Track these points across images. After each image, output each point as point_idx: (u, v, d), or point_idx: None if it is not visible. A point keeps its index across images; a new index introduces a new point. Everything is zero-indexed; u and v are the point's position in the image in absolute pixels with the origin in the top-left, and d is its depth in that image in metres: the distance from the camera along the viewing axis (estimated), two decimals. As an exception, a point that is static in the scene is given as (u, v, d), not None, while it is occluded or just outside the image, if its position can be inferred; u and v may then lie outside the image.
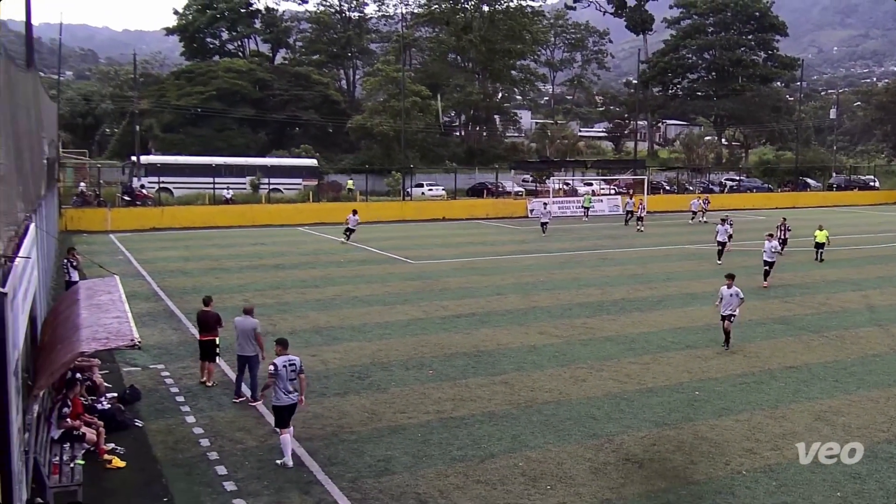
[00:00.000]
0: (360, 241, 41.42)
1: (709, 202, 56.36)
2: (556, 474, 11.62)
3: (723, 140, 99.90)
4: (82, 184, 53.51)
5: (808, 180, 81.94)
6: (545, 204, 41.24)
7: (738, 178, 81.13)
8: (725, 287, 19.07)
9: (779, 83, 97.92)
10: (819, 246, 33.57)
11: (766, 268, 27.34)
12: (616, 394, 15.52)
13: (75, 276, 22.04)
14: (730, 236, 33.99)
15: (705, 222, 49.20)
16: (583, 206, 58.05)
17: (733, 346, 19.10)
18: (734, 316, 18.98)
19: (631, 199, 54.30)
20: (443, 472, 11.70)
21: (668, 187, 73.56)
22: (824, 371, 17.29)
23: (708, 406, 14.85)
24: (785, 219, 35.23)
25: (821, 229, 33.58)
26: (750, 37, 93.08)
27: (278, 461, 11.80)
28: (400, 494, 10.92)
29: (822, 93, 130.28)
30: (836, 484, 11.40)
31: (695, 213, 52.38)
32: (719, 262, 32.65)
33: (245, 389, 14.93)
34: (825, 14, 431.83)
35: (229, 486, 11.20)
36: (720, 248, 33.39)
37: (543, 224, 42.29)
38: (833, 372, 17.20)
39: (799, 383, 16.38)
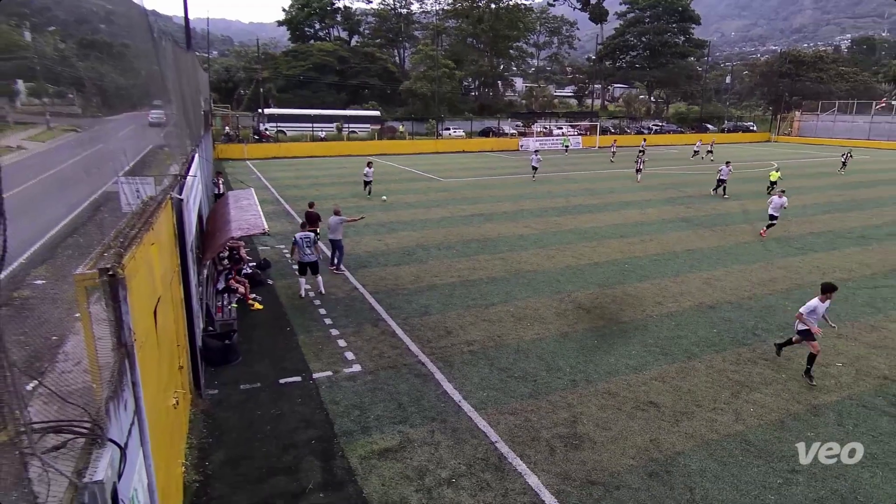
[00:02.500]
0: (409, 165, 41.16)
1: (615, 143, 53.49)
2: (533, 316, 11.88)
3: (651, 98, 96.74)
4: (227, 128, 53.11)
5: (709, 125, 79.96)
6: (536, 151, 34.65)
7: (661, 124, 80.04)
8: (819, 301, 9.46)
9: (692, 58, 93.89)
10: (772, 184, 27.89)
11: (771, 221, 19.32)
12: (573, 266, 15.61)
13: (222, 189, 22.33)
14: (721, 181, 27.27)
15: (614, 154, 46.86)
16: (563, 145, 56.47)
17: (652, 236, 19.02)
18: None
19: (615, 142, 52.27)
20: (462, 314, 12.00)
21: (613, 130, 71.97)
22: (711, 252, 17.17)
23: (633, 274, 14.89)
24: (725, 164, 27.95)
25: (777, 171, 29.18)
26: (674, 25, 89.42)
27: (301, 294, 12.94)
28: (434, 326, 11.27)
29: (722, 65, 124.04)
30: (712, 322, 11.58)
31: (614, 151, 47.55)
32: (713, 192, 27.54)
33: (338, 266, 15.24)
34: (727, 8, 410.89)
35: (327, 320, 11.61)
36: (719, 184, 27.33)
37: (534, 168, 33.68)
38: (716, 253, 17.11)
39: (693, 260, 16.31)
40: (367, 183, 26.53)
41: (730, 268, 15.56)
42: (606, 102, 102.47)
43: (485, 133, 64.48)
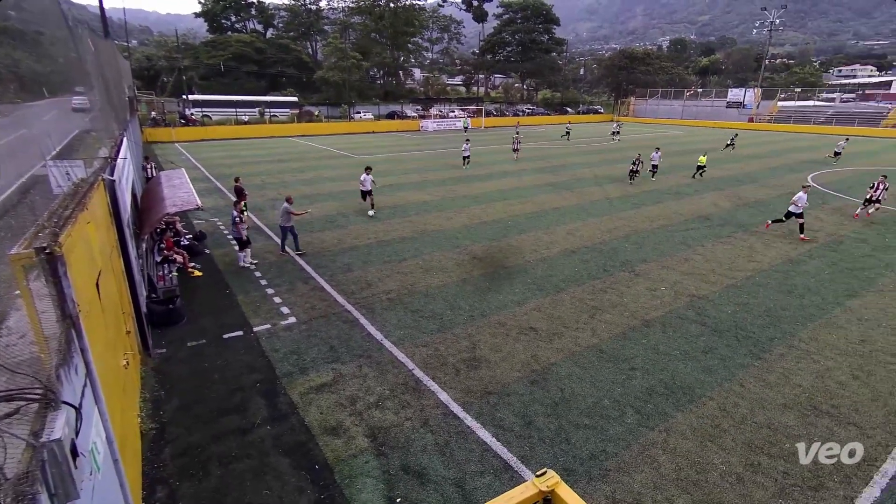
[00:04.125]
0: (326, 145, 39.40)
1: (469, 122, 54.85)
2: (438, 267, 12.05)
3: (524, 86, 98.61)
4: (153, 112, 47.65)
5: (568, 108, 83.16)
6: (467, 140, 28.37)
7: (532, 107, 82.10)
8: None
9: (554, 53, 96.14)
10: (700, 167, 24.22)
11: (800, 220, 14.37)
12: (468, 224, 15.89)
13: (152, 173, 20.24)
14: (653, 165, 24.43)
15: (467, 131, 47.95)
16: (462, 125, 55.98)
17: (527, 198, 19.74)
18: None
19: (518, 124, 52.66)
20: (380, 269, 11.91)
21: (495, 113, 72.87)
22: (571, 209, 18.01)
23: (514, 229, 15.39)
24: (640, 155, 23.89)
25: (704, 155, 24.84)
26: (540, 25, 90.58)
27: (242, 264, 11.98)
28: (357, 281, 11.11)
29: (577, 59, 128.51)
30: (574, 263, 12.34)
31: (463, 125, 46.84)
32: (653, 178, 23.92)
33: (287, 248, 14.40)
34: (580, 13, 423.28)
35: (263, 282, 11.07)
36: (652, 169, 24.21)
37: (465, 157, 27.31)
38: (576, 209, 18.02)
39: (558, 216, 17.05)
40: (366, 193, 17.29)
41: (585, 221, 16.46)
42: (489, 90, 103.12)
43: (390, 116, 62.87)
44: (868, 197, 16.76)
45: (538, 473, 2.12)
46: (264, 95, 65.85)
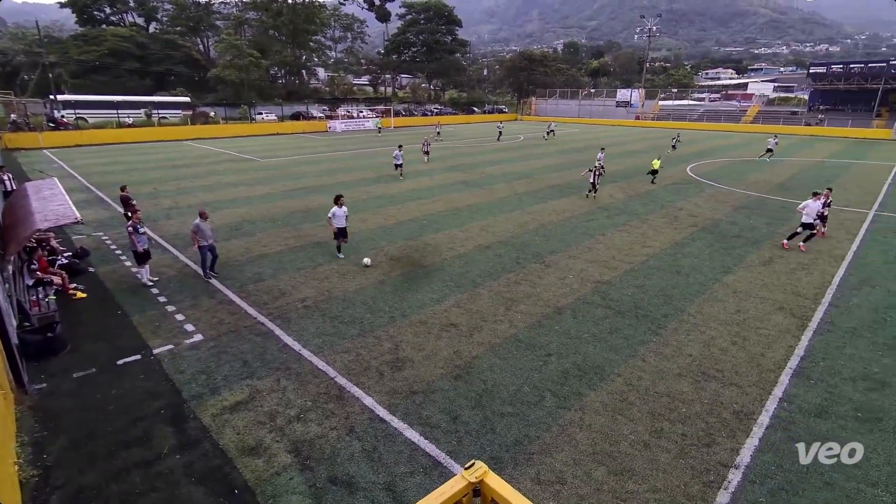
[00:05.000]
0: (226, 148, 36.98)
1: (380, 121, 55.04)
2: (355, 270, 11.82)
3: (431, 86, 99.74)
4: (13, 115, 41.55)
5: (475, 108, 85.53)
6: (399, 146, 25.25)
7: (440, 107, 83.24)
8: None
9: (458, 54, 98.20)
10: (654, 172, 23.41)
11: (809, 231, 13.62)
12: (384, 225, 15.75)
13: (11, 186, 17.68)
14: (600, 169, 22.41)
15: (439, 133, 48.59)
16: (377, 126, 54.79)
17: (440, 197, 20.00)
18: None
19: (439, 123, 52.44)
20: (293, 276, 11.43)
21: (404, 113, 72.93)
22: (483, 206, 18.47)
23: (430, 228, 15.51)
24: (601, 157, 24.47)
25: (658, 159, 24.07)
26: (443, 27, 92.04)
27: (144, 281, 10.87)
28: (269, 290, 10.58)
29: (480, 60, 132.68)
30: (489, 258, 12.72)
31: (439, 132, 48.76)
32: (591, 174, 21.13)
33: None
34: (481, 15, 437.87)
35: (161, 298, 10.15)
36: (600, 171, 22.09)
37: (398, 166, 24.50)
38: (487, 206, 18.49)
39: (472, 212, 17.42)
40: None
41: (497, 216, 16.99)
42: (397, 90, 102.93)
43: (295, 117, 60.43)
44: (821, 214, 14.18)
45: (466, 466, 2.17)
46: (151, 95, 60.23)
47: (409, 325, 9.05)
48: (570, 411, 6.63)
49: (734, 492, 5.32)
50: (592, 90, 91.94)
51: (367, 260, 12.08)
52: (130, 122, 46.85)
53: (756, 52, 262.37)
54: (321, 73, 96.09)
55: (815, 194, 13.78)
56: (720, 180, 24.45)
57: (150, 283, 10.82)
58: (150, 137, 43.20)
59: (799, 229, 13.70)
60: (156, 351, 8.10)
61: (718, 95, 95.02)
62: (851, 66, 59.43)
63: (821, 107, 62.30)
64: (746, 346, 8.41)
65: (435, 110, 79.14)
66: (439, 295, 10.36)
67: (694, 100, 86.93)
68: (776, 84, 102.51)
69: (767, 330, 8.96)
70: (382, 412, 6.58)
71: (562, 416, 6.54)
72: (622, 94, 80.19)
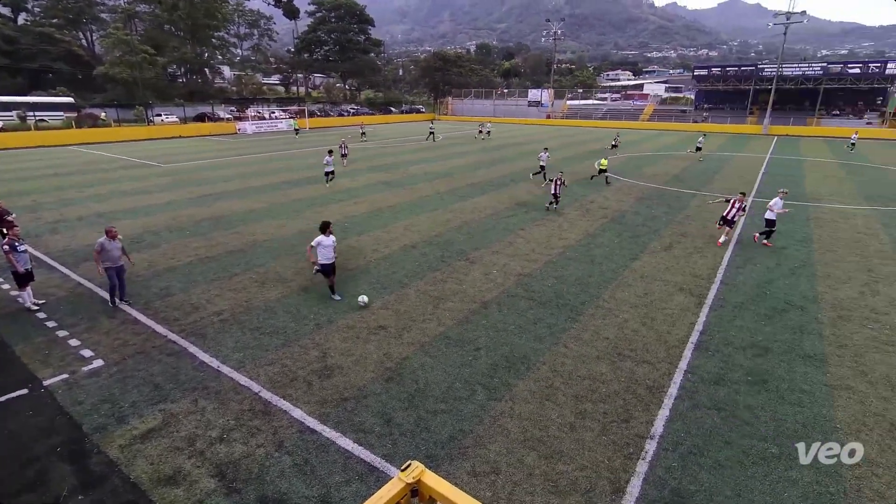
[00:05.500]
0: (120, 153, 33.71)
1: (296, 122, 53.04)
2: (276, 278, 11.31)
3: (346, 86, 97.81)
4: None
5: (392, 108, 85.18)
6: (330, 152, 23.07)
7: (356, 107, 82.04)
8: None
9: (372, 54, 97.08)
10: (602, 170, 23.59)
11: (768, 227, 14.16)
12: (304, 230, 15.10)
13: None
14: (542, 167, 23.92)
15: (363, 134, 47.69)
16: (294, 128, 52.04)
17: (363, 198, 19.68)
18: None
19: (362, 123, 50.72)
20: (206, 289, 10.70)
21: (319, 113, 70.92)
22: (406, 206, 18.45)
23: (353, 230, 15.22)
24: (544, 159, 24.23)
25: (605, 159, 24.62)
26: (355, 26, 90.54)
27: (27, 305, 9.62)
28: (179, 305, 9.82)
29: (395, 60, 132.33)
30: (414, 257, 12.74)
31: (363, 132, 47.57)
32: (532, 176, 23.91)
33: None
34: (392, 15, 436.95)
35: (50, 323, 9.06)
36: (541, 170, 23.84)
37: (329, 173, 22.04)
38: (410, 206, 18.50)
39: (395, 213, 17.36)
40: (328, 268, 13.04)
41: (420, 215, 17.07)
42: (310, 90, 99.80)
43: (200, 118, 56.62)
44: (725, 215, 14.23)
45: (403, 468, 2.16)
46: (25, 95, 53.45)
47: (337, 330, 8.83)
48: (500, 402, 6.83)
49: (651, 461, 5.77)
50: (506, 90, 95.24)
51: (363, 298, 9.81)
52: (0, 125, 41.28)
53: (649, 55, 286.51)
54: (227, 71, 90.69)
55: (782, 192, 14.31)
56: (624, 174, 26.36)
57: (35, 307, 9.61)
58: (26, 143, 38.40)
59: (765, 227, 14.22)
60: (46, 382, 7.21)
61: (619, 95, 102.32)
62: (727, 69, 66.63)
63: (705, 105, 69.25)
64: (654, 325, 9.15)
65: (351, 110, 77.82)
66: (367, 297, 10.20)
67: (598, 99, 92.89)
68: (667, 85, 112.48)
69: (671, 309, 9.82)
70: (313, 423, 6.36)
71: (493, 407, 6.71)
72: (533, 94, 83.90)
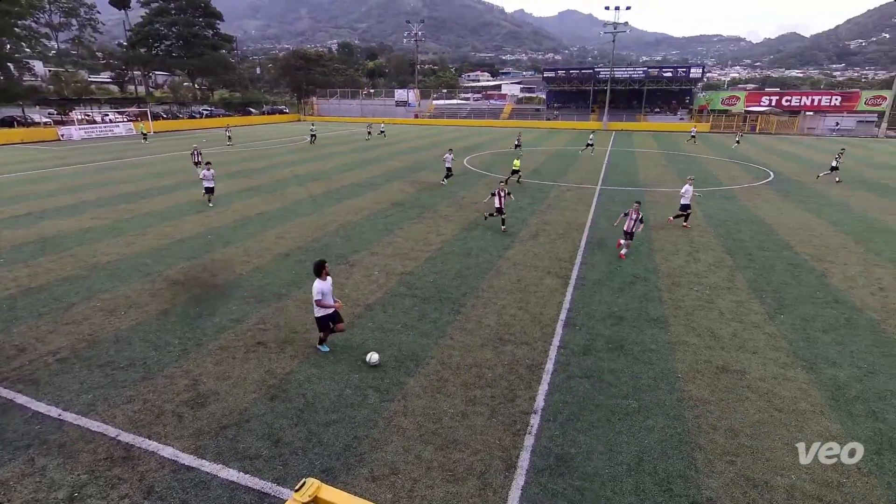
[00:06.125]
0: None
1: (144, 126, 48.13)
2: (126, 304, 9.92)
3: (196, 85, 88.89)
4: None
5: (252, 109, 79.80)
6: (209, 163, 19.48)
7: (210, 108, 75.28)
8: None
9: (224, 51, 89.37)
10: (515, 171, 23.80)
11: (684, 212, 16.02)
12: (158, 247, 13.55)
13: None
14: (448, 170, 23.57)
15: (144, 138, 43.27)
16: (141, 132, 45.79)
17: (227, 207, 18.14)
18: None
19: (228, 126, 45.08)
20: (34, 325, 8.99)
21: (165, 116, 63.57)
22: (277, 212, 17.45)
23: (217, 242, 14.01)
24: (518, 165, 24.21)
25: (518, 159, 24.58)
26: (200, 19, 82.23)
27: None
28: (-1, 350, 8.12)
29: (251, 58, 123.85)
30: (290, 266, 12.09)
31: (141, 132, 42.39)
32: (444, 182, 23.43)
33: None
34: (244, 9, 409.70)
35: None
36: (448, 173, 23.53)
37: (209, 188, 18.59)
38: (281, 212, 17.48)
39: (265, 221, 16.34)
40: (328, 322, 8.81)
41: (293, 221, 16.32)
42: (151, 89, 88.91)
43: (8, 123, 47.33)
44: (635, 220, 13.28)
45: (297, 487, 2.05)
46: None
47: (208, 353, 8.04)
48: (393, 402, 6.82)
49: (536, 434, 6.23)
50: (372, 90, 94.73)
51: (374, 357, 7.75)
52: None
53: (504, 57, 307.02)
54: (39, 67, 76.77)
55: (692, 179, 16.40)
56: (491, 169, 27.95)
57: None
58: None
59: (680, 210, 16.07)
60: None
61: (480, 95, 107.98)
62: (571, 71, 74.22)
63: (555, 104, 76.31)
64: (529, 308, 9.88)
65: (204, 112, 71.20)
66: (239, 314, 9.45)
67: (461, 99, 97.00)
68: (522, 85, 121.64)
69: (542, 292, 10.69)
70: (188, 459, 5.72)
71: (386, 408, 6.68)
72: (399, 94, 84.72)
